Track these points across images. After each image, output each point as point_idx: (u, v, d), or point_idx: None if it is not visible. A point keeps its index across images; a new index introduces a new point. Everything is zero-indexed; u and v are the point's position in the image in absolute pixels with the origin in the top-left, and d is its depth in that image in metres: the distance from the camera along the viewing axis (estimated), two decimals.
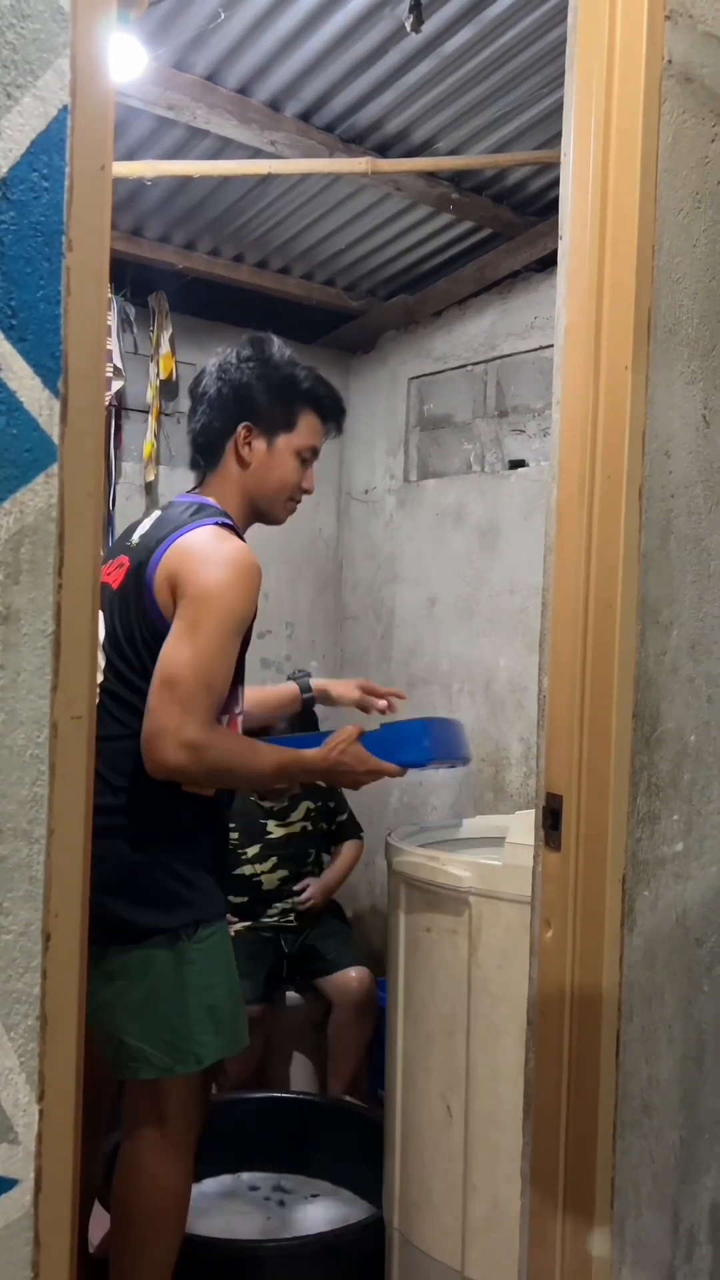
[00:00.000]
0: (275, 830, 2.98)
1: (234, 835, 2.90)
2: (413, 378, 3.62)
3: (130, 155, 2.65)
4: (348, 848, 3.10)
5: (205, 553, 1.71)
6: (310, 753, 1.84)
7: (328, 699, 2.19)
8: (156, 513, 1.88)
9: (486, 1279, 1.76)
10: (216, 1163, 2.46)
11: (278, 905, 2.94)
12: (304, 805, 3.01)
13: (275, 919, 2.93)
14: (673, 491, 1.40)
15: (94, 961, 1.59)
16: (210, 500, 1.84)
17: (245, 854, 2.93)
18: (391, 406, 3.68)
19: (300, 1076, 2.98)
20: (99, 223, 0.98)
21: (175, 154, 2.66)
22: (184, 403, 3.46)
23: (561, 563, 1.41)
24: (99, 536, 1.00)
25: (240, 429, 1.85)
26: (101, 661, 1.73)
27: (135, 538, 1.84)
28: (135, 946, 1.66)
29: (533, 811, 1.46)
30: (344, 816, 3.13)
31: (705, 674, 1.47)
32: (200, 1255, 1.98)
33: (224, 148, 2.62)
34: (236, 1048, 1.76)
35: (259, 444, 1.86)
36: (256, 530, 3.89)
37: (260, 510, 1.91)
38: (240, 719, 1.84)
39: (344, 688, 2.20)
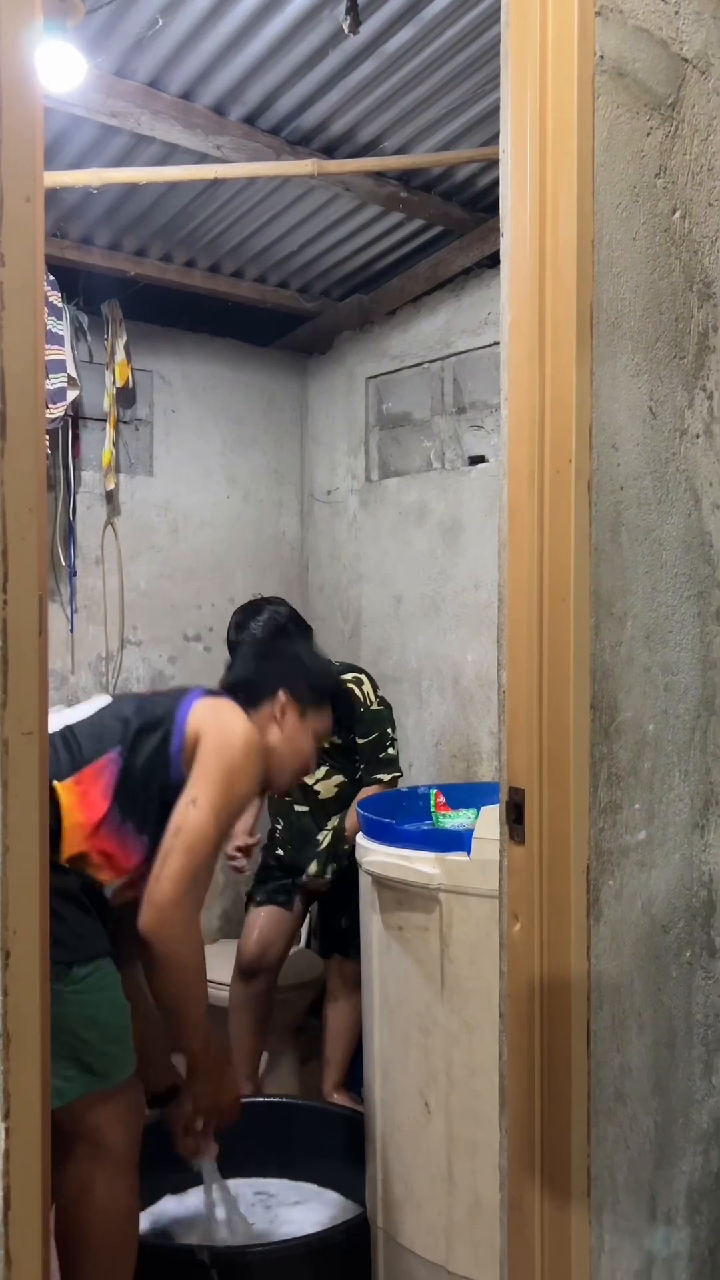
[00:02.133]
0: None
1: None
2: (370, 377, 3.62)
3: (75, 164, 2.64)
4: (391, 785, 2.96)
5: (233, 723, 1.84)
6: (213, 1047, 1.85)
7: None
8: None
9: (471, 1273, 1.76)
10: (196, 1174, 2.44)
11: (335, 818, 2.87)
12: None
13: (329, 835, 2.86)
14: (622, 484, 1.41)
15: None
16: None
17: None
18: (350, 406, 3.69)
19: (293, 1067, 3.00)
20: (32, 235, 0.98)
21: (121, 161, 2.66)
22: (142, 410, 3.47)
23: (515, 558, 1.42)
24: (44, 551, 1.00)
25: (281, 693, 1.95)
26: None
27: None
28: None
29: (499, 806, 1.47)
30: (386, 752, 2.95)
31: (661, 663, 1.48)
32: (186, 1264, 1.97)
33: (170, 153, 2.61)
34: (105, 1084, 1.69)
35: (292, 712, 1.96)
36: (220, 534, 3.87)
37: (270, 772, 1.96)
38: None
39: None
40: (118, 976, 1.75)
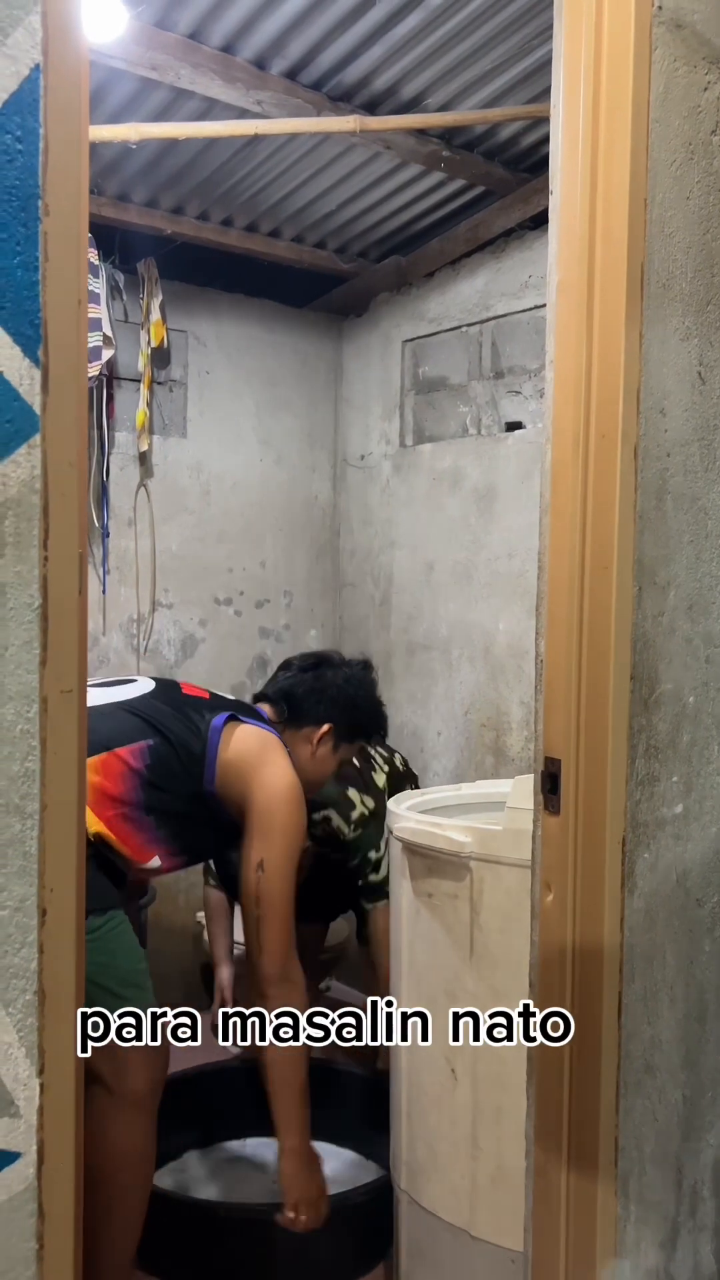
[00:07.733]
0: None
1: None
2: (407, 340, 3.58)
3: (114, 118, 2.61)
4: (382, 912, 2.63)
5: (280, 777, 1.95)
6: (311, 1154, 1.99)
7: None
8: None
9: (493, 1238, 1.77)
10: (219, 1130, 2.48)
11: None
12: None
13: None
14: (668, 450, 1.38)
15: None
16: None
17: None
18: (386, 370, 3.65)
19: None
20: (77, 185, 0.96)
21: (160, 116, 2.62)
22: (176, 370, 3.45)
23: (557, 525, 1.39)
24: (84, 507, 0.99)
25: (325, 725, 2.12)
26: None
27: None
28: None
29: (532, 775, 1.46)
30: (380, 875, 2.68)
31: (703, 634, 1.46)
32: (207, 1219, 2.00)
33: (210, 108, 2.57)
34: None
35: (329, 744, 2.14)
36: (253, 498, 3.84)
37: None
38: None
39: None
40: (129, 924, 1.86)
